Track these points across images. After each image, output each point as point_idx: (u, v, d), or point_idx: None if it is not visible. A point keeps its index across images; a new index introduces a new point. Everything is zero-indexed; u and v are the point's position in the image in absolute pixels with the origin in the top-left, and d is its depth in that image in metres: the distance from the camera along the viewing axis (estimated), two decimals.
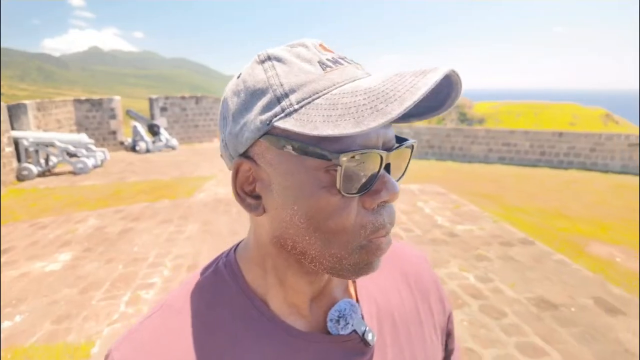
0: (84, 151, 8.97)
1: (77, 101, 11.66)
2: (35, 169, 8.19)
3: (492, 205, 6.25)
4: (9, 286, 3.57)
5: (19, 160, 8.22)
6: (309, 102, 0.36)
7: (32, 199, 6.75)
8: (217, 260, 0.50)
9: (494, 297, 3.33)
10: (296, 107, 0.36)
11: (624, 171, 10.03)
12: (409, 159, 0.44)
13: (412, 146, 0.43)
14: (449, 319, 0.60)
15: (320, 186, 0.37)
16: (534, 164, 10.80)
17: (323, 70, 0.37)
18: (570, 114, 19.47)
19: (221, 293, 0.46)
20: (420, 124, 12.05)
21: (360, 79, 0.37)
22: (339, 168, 0.36)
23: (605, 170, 10.18)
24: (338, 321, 0.46)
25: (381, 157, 0.37)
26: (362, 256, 0.40)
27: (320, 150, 0.35)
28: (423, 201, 6.32)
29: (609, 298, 3.33)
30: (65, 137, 8.97)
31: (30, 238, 4.79)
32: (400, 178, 0.43)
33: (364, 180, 0.38)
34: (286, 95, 0.36)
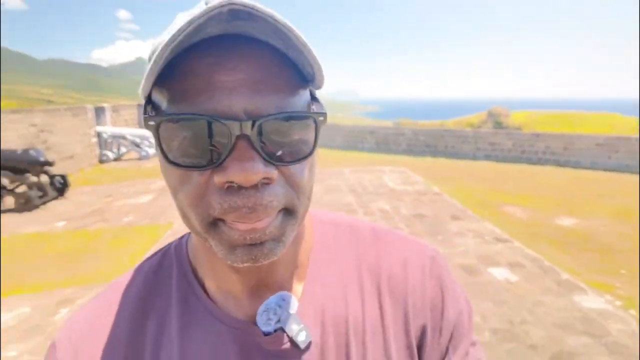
0: (146, 142, 11.62)
1: (140, 105, 14.52)
2: (111, 155, 10.93)
3: (447, 184, 8.21)
4: (134, 208, 6.07)
5: (100, 148, 10.96)
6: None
7: (114, 173, 9.39)
8: (171, 242, 0.48)
9: (393, 213, 5.53)
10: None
11: (592, 167, 11.59)
12: (314, 138, 0.36)
13: (314, 121, 0.35)
14: (454, 342, 0.46)
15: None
16: (516, 161, 12.51)
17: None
18: (608, 124, 18.87)
19: (164, 276, 0.45)
20: (418, 127, 13.99)
21: None
22: (155, 135, 0.32)
23: (577, 166, 11.77)
24: (262, 315, 0.42)
25: (229, 128, 0.31)
26: (224, 241, 0.35)
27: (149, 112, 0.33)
28: (387, 176, 8.43)
29: (460, 214, 5.50)
30: (133, 131, 11.67)
31: (124, 190, 7.34)
32: (299, 160, 0.35)
33: (203, 150, 0.33)
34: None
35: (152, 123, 0.33)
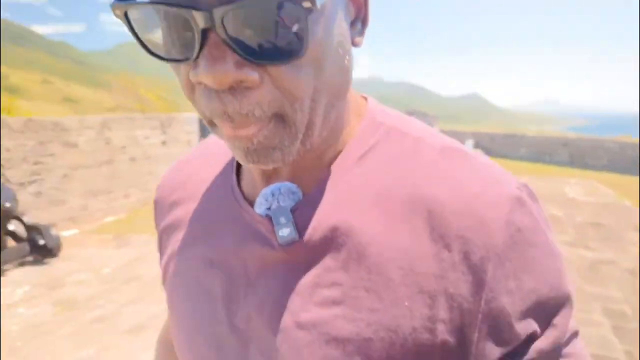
0: None
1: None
2: None
3: None
4: None
5: None
6: None
7: None
8: None
9: (565, 219, 5.25)
10: None
11: None
12: (305, 27, 0.27)
13: (301, 4, 0.26)
14: (536, 318, 0.33)
15: None
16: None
17: None
18: None
19: (223, 148, 0.48)
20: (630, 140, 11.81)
21: None
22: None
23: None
24: (259, 199, 0.40)
25: (194, 20, 0.26)
26: (222, 137, 0.34)
27: None
28: (570, 187, 7.68)
29: None
30: None
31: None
32: (287, 58, 0.28)
33: (177, 43, 0.29)
34: None
35: (118, 11, 0.28)
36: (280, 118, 0.32)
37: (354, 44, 0.37)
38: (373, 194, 0.37)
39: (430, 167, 0.37)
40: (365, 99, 0.45)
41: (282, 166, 0.36)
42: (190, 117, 7.65)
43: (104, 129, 5.76)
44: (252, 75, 0.28)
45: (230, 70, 0.27)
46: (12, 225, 3.88)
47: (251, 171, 0.43)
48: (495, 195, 0.35)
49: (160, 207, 0.51)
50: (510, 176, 0.38)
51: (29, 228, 3.87)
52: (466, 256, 0.33)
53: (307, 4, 0.26)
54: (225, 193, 0.44)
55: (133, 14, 0.29)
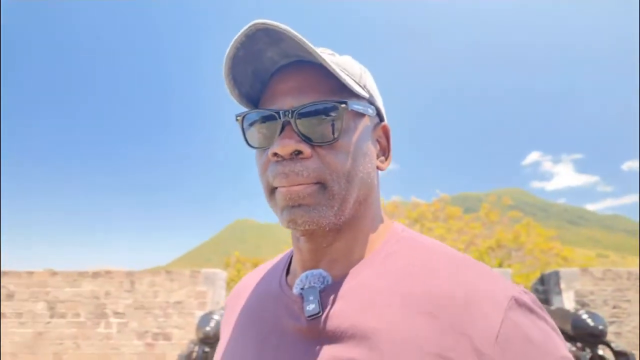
0: None
1: None
2: None
3: None
4: None
5: None
6: None
7: None
8: None
9: None
10: None
11: None
12: (340, 126, 0.46)
13: (337, 110, 0.46)
14: None
15: None
16: None
17: None
18: None
19: (284, 260, 0.63)
20: None
21: None
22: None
23: None
24: (297, 282, 0.52)
25: (276, 117, 0.47)
26: (277, 202, 0.49)
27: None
28: None
29: None
30: None
31: None
32: (327, 142, 0.47)
33: (264, 136, 0.49)
34: None
35: (238, 117, 0.49)
36: (322, 186, 0.46)
37: (378, 167, 0.54)
38: (391, 289, 0.45)
39: (443, 270, 0.45)
40: (392, 221, 0.57)
41: (315, 228, 0.47)
42: None
43: None
44: (305, 148, 0.45)
45: (292, 143, 0.45)
46: (600, 350, 4.22)
47: (295, 266, 0.56)
48: (498, 294, 0.41)
49: (225, 310, 0.66)
50: (511, 281, 0.45)
51: (617, 354, 4.15)
52: (472, 344, 0.38)
53: (342, 106, 0.46)
54: (275, 287, 0.56)
55: (245, 120, 0.49)
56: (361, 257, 0.51)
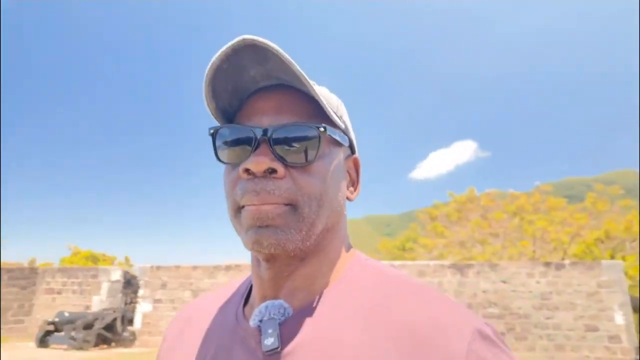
0: None
1: None
2: None
3: None
4: None
5: None
6: None
7: None
8: None
9: None
10: None
11: None
12: (316, 148, 0.47)
13: (316, 133, 0.47)
14: None
15: None
16: None
17: None
18: None
19: (244, 286, 0.59)
20: None
21: None
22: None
23: None
24: (254, 313, 0.49)
25: (252, 134, 0.47)
26: (242, 224, 0.47)
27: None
28: None
29: None
30: None
31: None
32: (302, 163, 0.47)
33: (237, 152, 0.48)
34: None
35: (211, 131, 0.49)
36: (292, 207, 0.46)
37: (347, 197, 0.56)
38: (354, 320, 0.45)
39: (406, 301, 0.45)
40: (355, 250, 0.57)
41: (281, 252, 0.46)
42: None
43: None
44: (278, 166, 0.45)
45: (266, 161, 0.45)
46: None
47: (254, 295, 0.53)
48: (461, 326, 0.42)
49: (164, 340, 0.61)
50: (475, 314, 0.46)
51: None
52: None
53: (321, 129, 0.47)
54: (231, 319, 0.53)
55: (218, 135, 0.49)
56: (323, 287, 0.50)
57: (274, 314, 0.47)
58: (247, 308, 0.54)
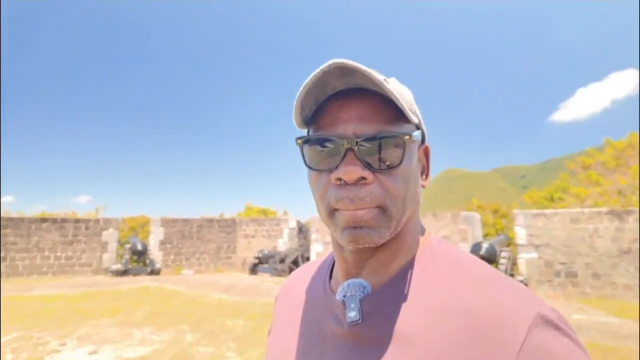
0: None
1: None
2: None
3: None
4: None
5: None
6: None
7: None
8: None
9: None
10: None
11: None
12: (402, 154, 0.49)
13: (402, 140, 0.49)
14: None
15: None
16: None
17: None
18: None
19: (327, 262, 0.67)
20: None
21: None
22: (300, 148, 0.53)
23: None
24: (339, 290, 0.56)
25: (339, 143, 0.49)
26: (337, 225, 0.50)
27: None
28: None
29: None
30: None
31: None
32: (389, 169, 0.49)
33: (325, 160, 0.50)
34: None
35: (299, 141, 0.53)
36: (382, 210, 0.49)
37: (422, 185, 0.59)
38: (425, 300, 0.50)
39: (474, 285, 0.49)
40: (429, 234, 0.61)
41: (373, 246, 0.51)
42: None
43: None
44: (369, 174, 0.48)
45: (357, 170, 0.48)
46: None
47: (337, 272, 0.60)
48: (525, 310, 0.44)
49: (276, 300, 0.74)
50: (541, 300, 0.47)
51: None
52: (494, 358, 0.42)
53: (407, 138, 0.49)
54: (319, 289, 0.62)
55: (306, 144, 0.52)
56: (399, 269, 0.54)
57: (355, 291, 0.53)
58: (332, 282, 0.62)
